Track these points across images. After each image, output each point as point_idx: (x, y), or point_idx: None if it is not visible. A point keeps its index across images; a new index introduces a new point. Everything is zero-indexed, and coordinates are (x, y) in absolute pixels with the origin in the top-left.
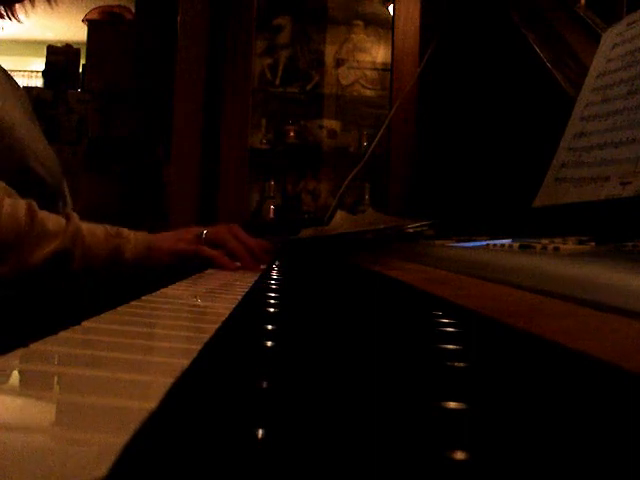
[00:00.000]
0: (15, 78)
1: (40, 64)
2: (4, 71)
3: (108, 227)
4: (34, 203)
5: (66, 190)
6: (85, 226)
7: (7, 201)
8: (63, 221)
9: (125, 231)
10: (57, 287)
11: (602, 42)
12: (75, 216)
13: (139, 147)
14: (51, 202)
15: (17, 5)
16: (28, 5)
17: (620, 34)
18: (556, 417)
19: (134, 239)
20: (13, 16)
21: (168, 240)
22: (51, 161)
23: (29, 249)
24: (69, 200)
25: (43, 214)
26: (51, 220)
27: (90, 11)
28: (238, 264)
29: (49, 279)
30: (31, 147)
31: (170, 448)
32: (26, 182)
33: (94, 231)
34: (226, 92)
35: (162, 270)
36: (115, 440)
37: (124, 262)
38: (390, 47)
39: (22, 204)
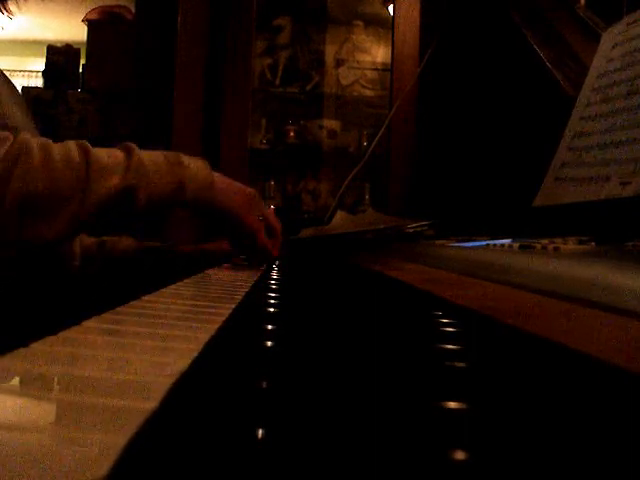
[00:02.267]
0: (15, 78)
1: (40, 64)
2: (2, 74)
3: (167, 154)
4: (85, 141)
5: None
6: (147, 157)
7: (56, 146)
8: (122, 155)
9: (185, 157)
10: (39, 266)
11: (602, 42)
12: (134, 147)
13: (139, 147)
14: None
15: (9, 0)
16: (21, 0)
17: (620, 34)
18: (556, 417)
19: (195, 168)
20: (5, 10)
21: (230, 190)
22: None
23: (90, 188)
24: None
25: (98, 150)
26: (108, 154)
27: (90, 11)
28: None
29: (115, 216)
30: None
31: (170, 448)
32: None
33: (156, 161)
34: (226, 92)
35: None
36: (115, 440)
37: (186, 195)
38: (390, 47)
39: (73, 145)
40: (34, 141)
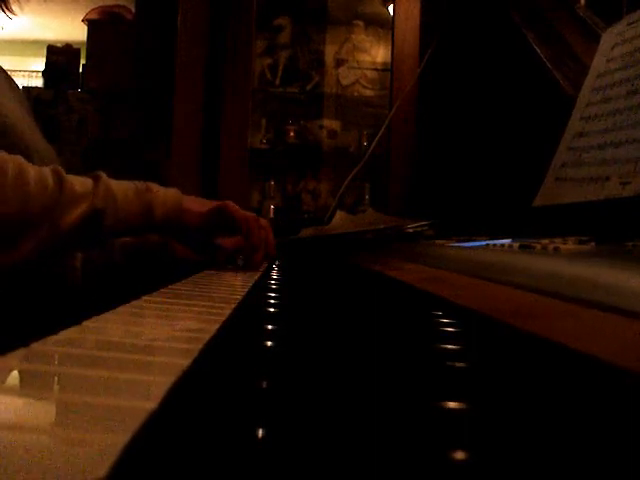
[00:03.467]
0: (15, 78)
1: (40, 64)
2: (3, 71)
3: (137, 183)
4: (60, 168)
5: None
6: (115, 184)
7: (32, 169)
8: (91, 182)
9: (154, 186)
10: (91, 249)
11: (602, 42)
12: (104, 175)
13: (139, 147)
14: None
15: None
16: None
17: (620, 34)
18: (556, 417)
19: (164, 195)
20: (7, 9)
21: (197, 202)
22: (51, 158)
23: (60, 214)
24: None
25: (71, 177)
26: (79, 182)
27: (90, 11)
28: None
29: (83, 242)
30: (33, 144)
31: (170, 448)
32: None
33: (124, 188)
34: (226, 92)
35: (193, 235)
36: (115, 440)
37: (155, 219)
38: (390, 47)
39: (47, 170)
40: (10, 161)
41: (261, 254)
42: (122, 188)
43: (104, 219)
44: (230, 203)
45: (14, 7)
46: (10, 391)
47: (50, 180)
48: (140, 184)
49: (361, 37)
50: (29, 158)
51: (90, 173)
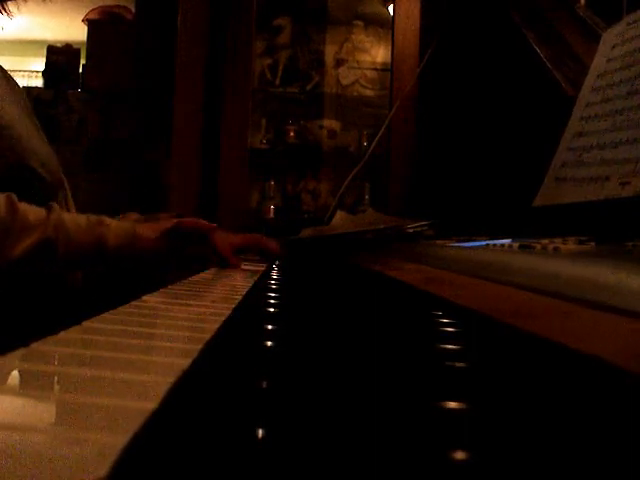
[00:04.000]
0: (15, 78)
1: (40, 64)
2: (2, 70)
3: (90, 216)
4: (14, 195)
5: (67, 189)
6: (67, 216)
7: None
8: (44, 212)
9: (107, 219)
10: (42, 279)
11: (602, 42)
12: (57, 207)
13: (139, 147)
14: (51, 200)
15: (10, 1)
16: (20, 1)
17: (620, 34)
18: (556, 417)
19: (116, 227)
20: (5, 11)
21: (151, 227)
22: (50, 159)
23: (11, 242)
24: (70, 199)
25: (24, 206)
26: (32, 212)
27: (90, 11)
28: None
29: (33, 271)
30: (30, 145)
31: (170, 448)
32: (25, 180)
33: (76, 220)
34: (226, 92)
35: (150, 260)
36: (115, 440)
37: (107, 250)
38: (390, 47)
39: (2, 197)
40: None
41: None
42: (74, 220)
43: (56, 249)
44: (186, 219)
45: (12, 8)
46: (10, 391)
47: (3, 208)
48: (94, 217)
49: (361, 37)
50: (26, 160)
51: (45, 205)
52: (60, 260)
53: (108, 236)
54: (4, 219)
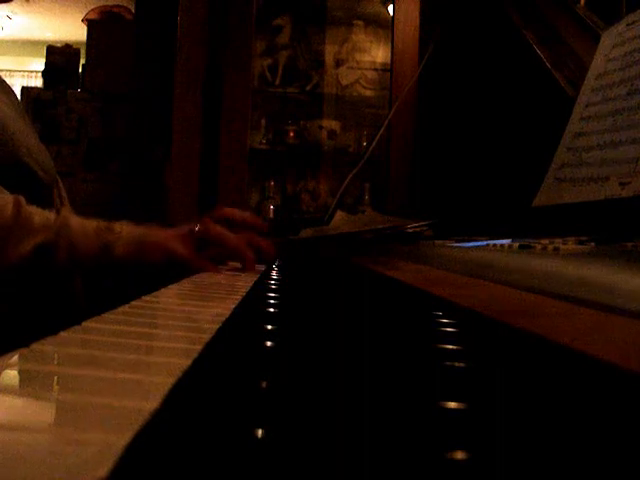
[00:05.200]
0: (15, 78)
1: (40, 64)
2: None
3: (100, 222)
4: (22, 198)
5: (61, 187)
6: (75, 221)
7: None
8: (52, 216)
9: (117, 226)
10: (43, 282)
11: (602, 42)
12: (66, 211)
13: (139, 147)
14: (46, 198)
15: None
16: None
17: (620, 34)
18: (556, 417)
19: (126, 236)
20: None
21: (162, 237)
22: (44, 157)
23: (13, 243)
24: (65, 197)
25: (31, 209)
26: (38, 215)
27: (90, 11)
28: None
29: (34, 273)
30: (23, 142)
31: (171, 448)
32: (19, 177)
33: (84, 226)
34: (226, 92)
35: (157, 269)
36: (115, 440)
37: (114, 259)
38: (390, 47)
39: (9, 198)
40: None
41: (250, 263)
42: (82, 225)
43: (56, 253)
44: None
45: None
46: (10, 391)
47: (9, 209)
48: (103, 223)
49: (361, 37)
50: (19, 154)
51: (59, 209)
52: (60, 265)
53: (116, 245)
54: (9, 220)
